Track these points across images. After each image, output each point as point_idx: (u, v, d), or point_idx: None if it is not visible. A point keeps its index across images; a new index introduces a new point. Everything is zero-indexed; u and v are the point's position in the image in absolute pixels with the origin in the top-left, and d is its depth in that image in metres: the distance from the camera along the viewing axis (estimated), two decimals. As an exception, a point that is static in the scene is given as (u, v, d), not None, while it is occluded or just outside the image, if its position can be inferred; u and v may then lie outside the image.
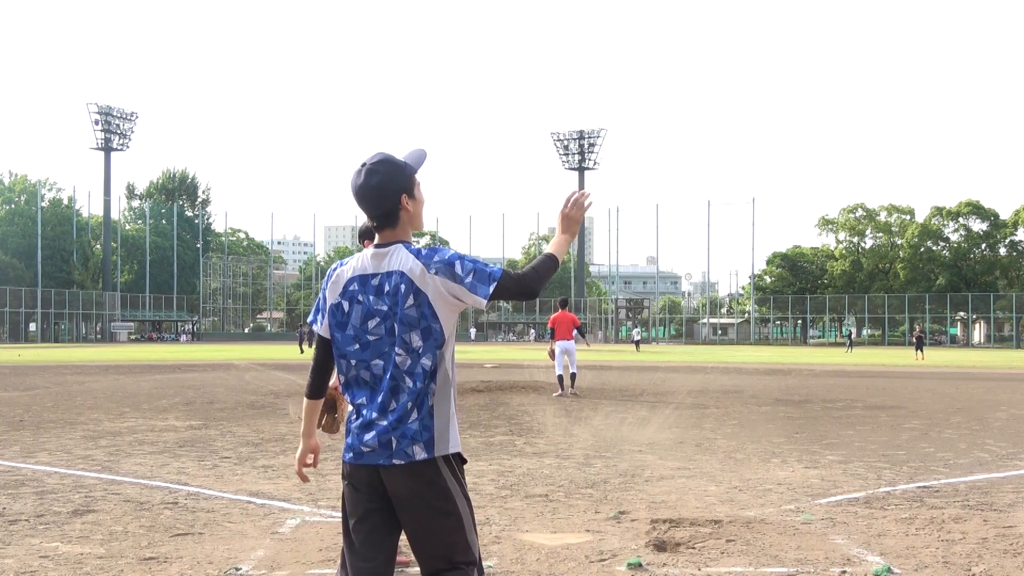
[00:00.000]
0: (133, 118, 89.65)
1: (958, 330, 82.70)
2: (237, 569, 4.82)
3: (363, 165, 2.90)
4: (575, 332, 16.99)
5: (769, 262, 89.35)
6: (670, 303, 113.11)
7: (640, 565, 4.89)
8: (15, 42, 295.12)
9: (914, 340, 43.99)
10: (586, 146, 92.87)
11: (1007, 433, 11.40)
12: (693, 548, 5.26)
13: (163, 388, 18.91)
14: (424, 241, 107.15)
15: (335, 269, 2.98)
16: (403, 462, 2.79)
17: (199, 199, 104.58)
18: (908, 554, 5.16)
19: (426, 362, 2.81)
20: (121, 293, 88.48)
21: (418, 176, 2.98)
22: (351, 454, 2.87)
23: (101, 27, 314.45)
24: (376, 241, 2.94)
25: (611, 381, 21.49)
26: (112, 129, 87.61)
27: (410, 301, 2.81)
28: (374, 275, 2.88)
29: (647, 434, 11.02)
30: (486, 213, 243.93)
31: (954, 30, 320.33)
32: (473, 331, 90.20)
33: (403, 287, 2.82)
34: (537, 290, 2.84)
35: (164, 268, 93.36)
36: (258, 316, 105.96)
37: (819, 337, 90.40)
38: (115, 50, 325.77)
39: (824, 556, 5.10)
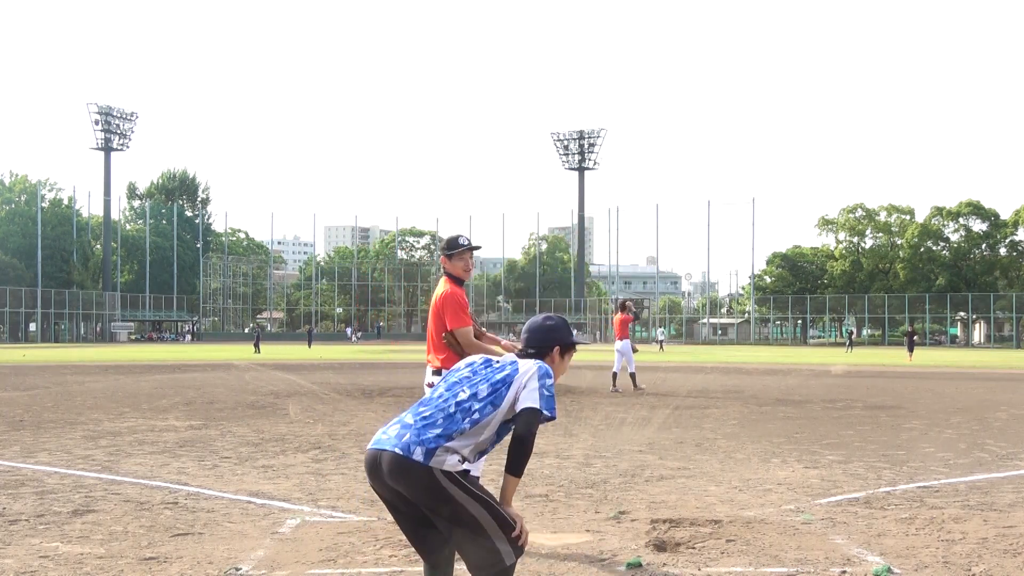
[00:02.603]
0: (133, 118, 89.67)
1: (958, 330, 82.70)
2: (237, 569, 4.82)
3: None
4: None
5: (769, 262, 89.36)
6: (670, 303, 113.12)
7: (640, 565, 4.89)
8: (15, 42, 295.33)
9: (906, 339, 44.24)
10: (586, 146, 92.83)
11: (1007, 433, 11.40)
12: (693, 548, 5.26)
13: (163, 388, 18.91)
14: (424, 241, 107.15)
15: None
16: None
17: (199, 199, 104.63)
18: (908, 554, 5.16)
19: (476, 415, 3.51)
20: (121, 293, 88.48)
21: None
22: None
23: (101, 27, 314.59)
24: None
25: (611, 381, 21.45)
26: (112, 129, 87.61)
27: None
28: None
29: (647, 434, 11.02)
30: (486, 213, 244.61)
31: (954, 30, 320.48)
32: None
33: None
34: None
35: (164, 268, 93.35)
36: (258, 316, 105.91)
37: (819, 337, 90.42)
38: (115, 50, 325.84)
39: (824, 556, 5.09)
